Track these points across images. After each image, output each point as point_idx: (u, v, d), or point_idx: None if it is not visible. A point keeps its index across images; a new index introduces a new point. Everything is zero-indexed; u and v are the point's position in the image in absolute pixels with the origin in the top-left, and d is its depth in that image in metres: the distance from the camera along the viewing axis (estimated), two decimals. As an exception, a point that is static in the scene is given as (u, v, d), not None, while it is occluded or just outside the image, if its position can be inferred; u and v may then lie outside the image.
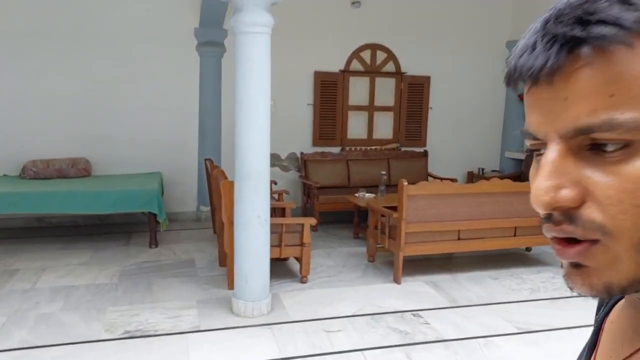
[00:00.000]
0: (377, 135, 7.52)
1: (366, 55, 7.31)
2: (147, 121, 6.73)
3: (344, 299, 4.40)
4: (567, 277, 0.46)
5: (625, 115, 0.39)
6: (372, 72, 7.35)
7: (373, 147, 7.44)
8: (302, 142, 7.25)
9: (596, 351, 0.56)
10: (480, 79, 7.78)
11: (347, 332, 3.78)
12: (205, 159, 6.26)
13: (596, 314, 0.61)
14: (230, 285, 4.50)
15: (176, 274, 4.90)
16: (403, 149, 7.57)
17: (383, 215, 5.04)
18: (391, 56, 7.39)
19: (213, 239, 5.98)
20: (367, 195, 6.03)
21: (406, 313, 4.15)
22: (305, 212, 6.79)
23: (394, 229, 4.81)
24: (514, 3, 7.68)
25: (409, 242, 4.69)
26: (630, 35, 0.39)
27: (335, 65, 7.21)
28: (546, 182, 0.43)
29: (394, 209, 5.15)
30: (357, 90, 7.34)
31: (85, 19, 6.39)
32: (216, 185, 5.04)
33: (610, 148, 0.41)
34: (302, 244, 4.64)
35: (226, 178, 4.76)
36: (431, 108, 7.65)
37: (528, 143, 0.48)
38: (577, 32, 0.41)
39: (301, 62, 7.07)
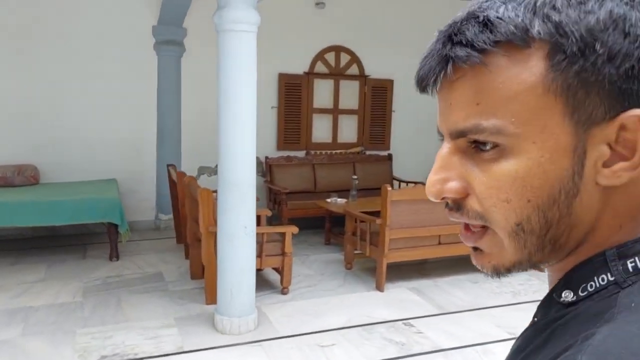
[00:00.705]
0: (341, 138, 7.40)
1: (330, 57, 7.18)
2: (100, 124, 6.29)
3: (330, 309, 4.23)
4: (473, 259, 0.53)
5: (488, 122, 0.46)
6: (337, 74, 7.23)
7: (338, 151, 7.31)
8: (266, 146, 7.01)
9: None
10: (440, 83, 7.82)
11: (341, 346, 3.62)
12: (168, 165, 5.91)
13: None
14: (209, 300, 4.22)
15: (146, 289, 4.56)
16: (367, 152, 7.49)
17: (362, 221, 4.91)
18: (355, 59, 7.30)
19: (178, 250, 5.65)
20: (339, 200, 5.89)
21: (397, 322, 4.03)
22: (272, 219, 6.56)
23: (375, 236, 4.69)
24: (472, 8, 7.78)
25: (392, 249, 4.59)
26: (485, 55, 0.45)
27: (299, 67, 7.04)
28: (435, 176, 0.49)
29: (370, 214, 5.06)
30: (322, 93, 7.20)
31: (33, 15, 5.88)
32: (187, 194, 4.74)
33: (486, 147, 0.47)
34: (283, 254, 4.43)
35: (199, 186, 4.48)
36: (394, 111, 7.62)
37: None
38: (446, 50, 0.48)
39: (265, 63, 6.83)
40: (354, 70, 7.32)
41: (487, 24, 0.46)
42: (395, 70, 7.47)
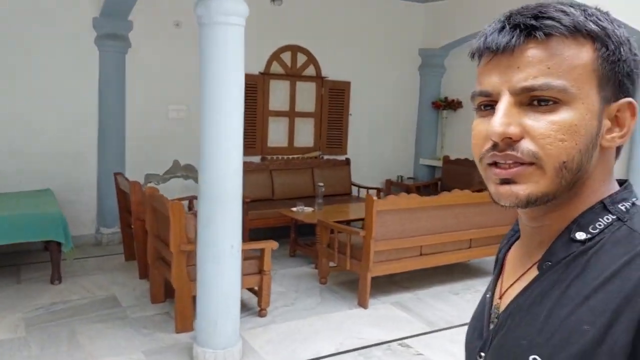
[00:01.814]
0: (298, 143, 7.03)
1: (286, 57, 6.80)
2: (32, 127, 5.52)
3: (316, 332, 3.86)
4: (496, 193, 0.67)
5: (556, 82, 0.63)
6: (293, 75, 6.85)
7: (295, 156, 6.94)
8: (219, 151, 6.50)
9: (502, 278, 0.78)
10: (395, 86, 7.66)
11: (341, 375, 3.26)
12: (115, 173, 5.27)
13: (496, 256, 0.86)
14: (181, 327, 3.73)
15: (101, 317, 3.96)
16: (325, 157, 7.17)
17: (339, 232, 4.59)
18: (312, 59, 6.95)
19: (128, 269, 5.04)
20: (307, 209, 5.52)
21: (392, 344, 3.73)
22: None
23: (357, 248, 4.38)
24: (425, 13, 7.69)
25: (375, 262, 4.29)
26: (566, 29, 0.63)
27: (254, 66, 6.59)
28: (501, 119, 0.63)
29: (341, 223, 4.78)
30: (278, 95, 6.80)
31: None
32: (149, 206, 4.18)
33: (547, 103, 0.63)
34: (261, 272, 4.00)
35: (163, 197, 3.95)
36: (351, 114, 7.35)
37: (477, 102, 0.69)
38: (533, 22, 0.64)
39: (217, 62, 6.34)
40: (310, 71, 6.98)
41: (565, 13, 0.64)
42: (351, 72, 7.21)
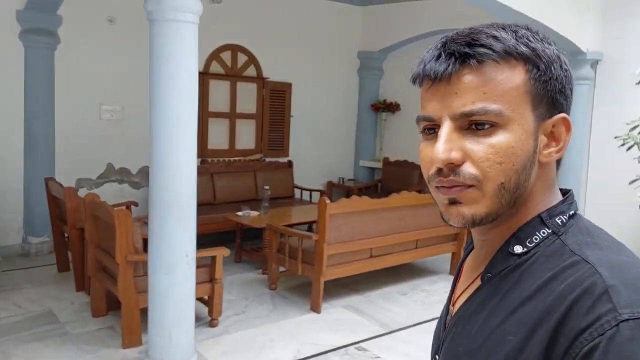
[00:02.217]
0: (239, 145, 6.88)
1: (226, 57, 6.63)
2: (-52, 129, 5.04)
3: (271, 340, 3.76)
4: (445, 212, 0.71)
5: (492, 106, 0.65)
6: (233, 75, 6.69)
7: (236, 159, 6.78)
8: (156, 153, 6.23)
9: (457, 285, 0.82)
10: (335, 89, 7.68)
11: (302, 384, 3.19)
12: (47, 178, 4.90)
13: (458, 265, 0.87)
14: (128, 342, 3.51)
15: (39, 335, 3.66)
16: (267, 159, 7.06)
17: (289, 236, 4.52)
18: (252, 59, 6.83)
19: (63, 281, 4.72)
20: (252, 213, 5.40)
21: (349, 348, 3.71)
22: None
23: (308, 252, 4.32)
24: (363, 16, 7.76)
25: (328, 266, 4.25)
26: (497, 55, 0.66)
27: (193, 66, 6.37)
28: (444, 146, 0.67)
29: (289, 227, 4.73)
30: (218, 96, 6.61)
31: None
32: (89, 215, 3.91)
33: (484, 127, 0.66)
34: (212, 281, 3.86)
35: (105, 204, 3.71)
36: (292, 116, 7.29)
37: (421, 126, 0.72)
38: (467, 49, 0.66)
39: (154, 60, 6.07)
40: (251, 71, 6.85)
41: (496, 38, 0.67)
42: (293, 73, 7.15)
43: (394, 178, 7.37)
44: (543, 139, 0.69)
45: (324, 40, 7.36)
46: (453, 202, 0.68)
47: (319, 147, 7.65)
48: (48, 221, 5.42)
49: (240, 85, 6.76)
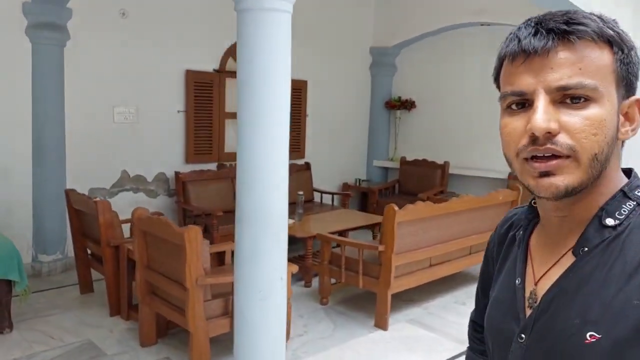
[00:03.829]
0: (255, 147, 6.45)
1: (242, 53, 6.19)
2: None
3: (350, 364, 3.42)
4: (536, 186, 0.72)
5: (588, 81, 0.69)
6: (249, 73, 6.26)
7: (253, 162, 6.35)
8: (172, 159, 5.76)
9: (531, 265, 0.82)
10: (348, 86, 7.35)
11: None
12: (67, 190, 4.38)
13: (492, 251, 0.98)
14: (199, 378, 3.09)
15: (88, 373, 3.20)
16: (284, 162, 6.65)
17: (338, 246, 4.17)
18: (268, 56, 6.41)
19: (89, 304, 4.23)
20: (288, 220, 5.00)
21: (437, 369, 3.40)
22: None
23: (370, 264, 3.99)
24: (375, 10, 7.45)
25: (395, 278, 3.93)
26: (594, 34, 0.70)
27: (209, 63, 5.93)
28: (544, 116, 0.69)
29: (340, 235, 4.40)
30: (233, 95, 6.15)
31: None
32: (136, 231, 3.46)
33: (579, 101, 0.69)
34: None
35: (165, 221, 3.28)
36: (308, 116, 6.91)
37: (507, 101, 0.75)
38: (565, 27, 0.70)
39: (169, 58, 5.60)
40: (267, 69, 6.43)
41: (590, 19, 0.72)
42: (308, 71, 6.77)
43: (412, 178, 7.10)
44: (621, 117, 0.74)
45: (336, 35, 7.01)
46: (545, 174, 0.71)
47: (333, 147, 7.30)
48: (60, 237, 4.95)
49: (257, 84, 6.33)
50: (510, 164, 0.76)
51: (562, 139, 0.69)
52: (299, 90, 6.71)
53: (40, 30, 4.73)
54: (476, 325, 1.07)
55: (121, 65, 5.28)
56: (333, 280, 4.40)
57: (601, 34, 0.71)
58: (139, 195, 5.57)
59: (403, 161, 7.29)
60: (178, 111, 5.75)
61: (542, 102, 0.70)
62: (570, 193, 0.71)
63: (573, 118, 0.69)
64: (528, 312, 0.78)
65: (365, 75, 7.58)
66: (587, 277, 0.72)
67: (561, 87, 0.69)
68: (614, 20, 0.74)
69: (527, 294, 0.80)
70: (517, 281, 0.82)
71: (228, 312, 3.25)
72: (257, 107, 2.60)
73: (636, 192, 0.74)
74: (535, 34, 0.71)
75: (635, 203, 0.73)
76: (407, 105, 7.34)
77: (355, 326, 4.00)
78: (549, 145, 0.69)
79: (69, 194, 4.33)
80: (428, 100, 7.21)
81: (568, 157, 0.69)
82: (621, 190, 0.74)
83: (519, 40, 0.72)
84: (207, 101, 5.91)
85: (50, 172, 4.89)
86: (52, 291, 4.54)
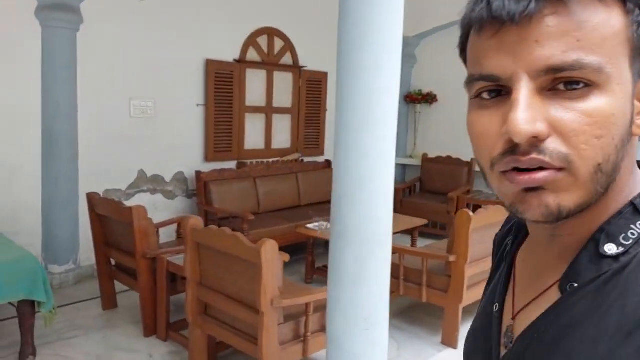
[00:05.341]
0: (275, 144, 6.01)
1: (263, 42, 5.73)
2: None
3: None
4: (519, 203, 0.50)
5: (590, 58, 0.46)
6: (270, 64, 5.80)
7: (273, 160, 5.91)
8: (191, 157, 5.27)
9: (513, 289, 0.62)
10: (367, 78, 6.95)
11: None
12: (90, 194, 3.87)
13: (495, 255, 0.71)
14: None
15: (140, 412, 2.74)
16: (305, 159, 6.23)
17: (394, 252, 3.79)
18: (289, 45, 5.96)
19: (116, 323, 3.76)
20: (325, 224, 4.60)
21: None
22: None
23: (434, 276, 3.62)
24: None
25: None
26: None
27: (228, 53, 5.44)
28: (525, 114, 0.46)
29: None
30: (254, 88, 5.70)
31: None
32: (189, 243, 2.99)
33: (577, 87, 0.46)
34: (352, 320, 3.06)
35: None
36: (327, 110, 6.49)
37: (475, 88, 0.51)
38: None
39: (187, 45, 5.09)
40: (287, 59, 5.98)
41: None
42: (329, 62, 6.32)
43: (436, 176, 6.76)
44: (637, 105, 0.50)
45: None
46: (531, 189, 0.49)
47: (351, 143, 6.89)
48: (73, 245, 4.46)
49: (277, 75, 5.88)
50: (484, 176, 0.54)
51: (553, 144, 0.48)
52: (319, 82, 6.28)
53: (51, 13, 4.19)
54: None
55: (138, 53, 4.76)
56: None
57: None
58: (157, 197, 5.07)
59: (425, 158, 6.94)
60: (197, 105, 5.26)
61: (523, 93, 0.48)
62: (567, 216, 0.50)
63: (568, 114, 0.48)
64: (503, 351, 0.59)
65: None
66: (573, 324, 0.51)
67: (551, 68, 0.47)
68: None
69: (504, 329, 0.61)
70: (494, 307, 0.64)
71: (300, 336, 2.85)
72: (363, 106, 2.17)
73: None
74: None
75: None
76: (428, 99, 6.98)
77: (421, 344, 3.64)
78: (534, 155, 0.48)
79: (92, 198, 3.82)
80: (449, 94, 6.87)
81: (561, 169, 0.48)
82: (631, 203, 0.52)
83: (488, 3, 0.49)
84: (228, 94, 5.43)
85: (62, 172, 4.36)
86: (70, 307, 4.04)
